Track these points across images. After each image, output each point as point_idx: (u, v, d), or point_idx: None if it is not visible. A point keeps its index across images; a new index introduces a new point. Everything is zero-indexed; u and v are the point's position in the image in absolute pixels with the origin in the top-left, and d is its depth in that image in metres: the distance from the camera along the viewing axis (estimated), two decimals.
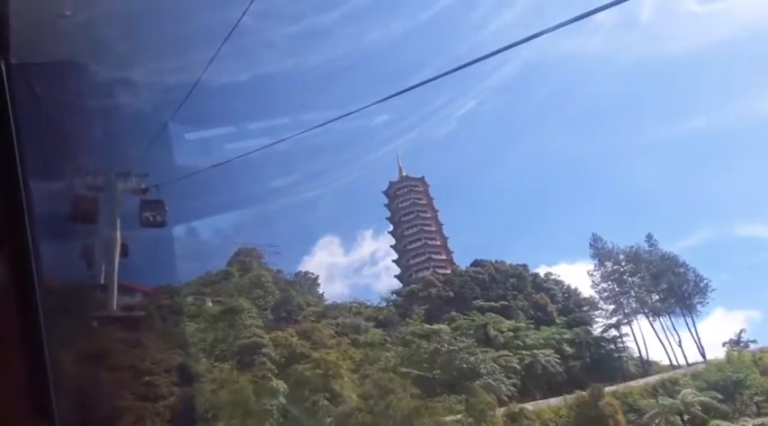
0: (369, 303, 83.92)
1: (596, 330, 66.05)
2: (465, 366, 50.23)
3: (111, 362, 41.41)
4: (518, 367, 54.87)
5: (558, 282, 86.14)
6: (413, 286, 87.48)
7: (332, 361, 46.15)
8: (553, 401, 47.51)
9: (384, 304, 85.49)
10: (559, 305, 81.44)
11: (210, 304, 65.16)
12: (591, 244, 67.88)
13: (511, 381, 51.77)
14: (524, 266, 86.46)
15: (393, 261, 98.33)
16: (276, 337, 47.10)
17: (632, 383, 50.02)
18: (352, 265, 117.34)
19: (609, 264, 65.98)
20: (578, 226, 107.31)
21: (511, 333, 59.34)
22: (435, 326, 58.88)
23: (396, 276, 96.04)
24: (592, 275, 68.20)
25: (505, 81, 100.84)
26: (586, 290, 79.85)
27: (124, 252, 16.99)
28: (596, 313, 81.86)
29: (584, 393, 45.53)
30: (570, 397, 46.08)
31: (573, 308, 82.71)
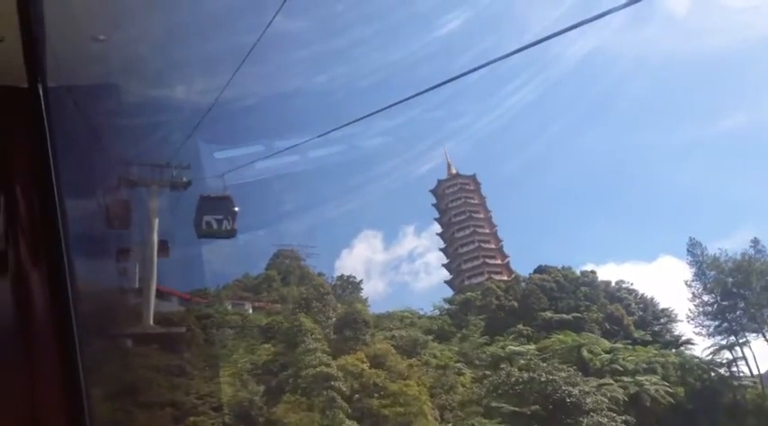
0: (421, 312, 75.47)
1: (697, 349, 55.44)
2: (568, 400, 40.48)
3: (147, 397, 32.44)
4: (622, 398, 44.91)
5: (630, 291, 76.29)
6: (469, 293, 77.89)
7: (413, 396, 36.70)
8: None
9: (437, 312, 77.07)
10: (635, 317, 71.63)
11: (251, 310, 57.49)
12: (689, 250, 57.36)
13: (621, 418, 41.87)
14: (593, 272, 76.81)
15: (443, 265, 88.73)
16: (345, 364, 37.72)
17: None
18: (391, 263, 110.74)
19: (712, 274, 55.51)
20: (618, 226, 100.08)
21: (607, 356, 49.27)
22: (521, 347, 49.02)
23: (446, 281, 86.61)
24: (690, 286, 57.65)
25: (542, 82, 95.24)
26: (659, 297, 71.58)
27: (164, 251, 14.30)
28: (675, 325, 72.75)
29: None
30: None
31: (651, 321, 72.80)
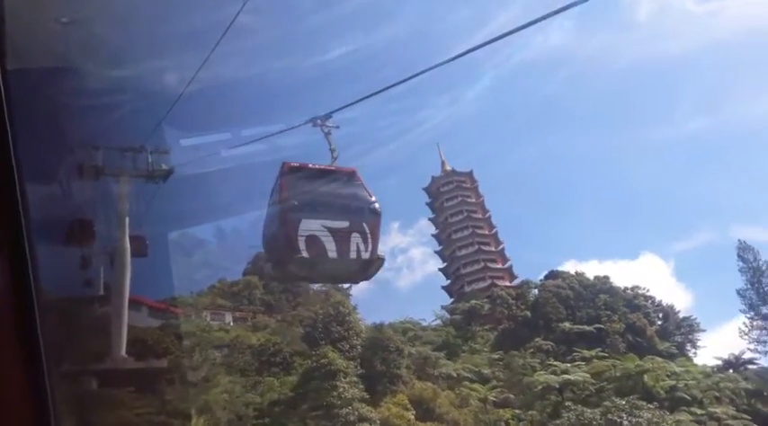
0: (423, 322, 65.94)
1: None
2: None
3: None
4: None
5: (647, 297, 68.29)
6: (474, 301, 68.54)
7: None
8: None
9: (438, 322, 67.70)
10: (656, 326, 63.91)
11: (232, 322, 49.46)
12: (739, 255, 49.45)
13: None
14: (606, 277, 68.59)
15: (439, 269, 79.05)
16: (387, 415, 27.22)
17: None
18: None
19: None
20: (594, 225, 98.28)
21: (669, 382, 40.51)
22: (575, 376, 39.58)
23: (443, 287, 77.06)
24: (742, 295, 49.70)
25: (499, 83, 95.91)
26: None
27: (141, 249, 11.78)
28: (698, 336, 65.90)
29: None
30: None
31: (673, 331, 65.18)
